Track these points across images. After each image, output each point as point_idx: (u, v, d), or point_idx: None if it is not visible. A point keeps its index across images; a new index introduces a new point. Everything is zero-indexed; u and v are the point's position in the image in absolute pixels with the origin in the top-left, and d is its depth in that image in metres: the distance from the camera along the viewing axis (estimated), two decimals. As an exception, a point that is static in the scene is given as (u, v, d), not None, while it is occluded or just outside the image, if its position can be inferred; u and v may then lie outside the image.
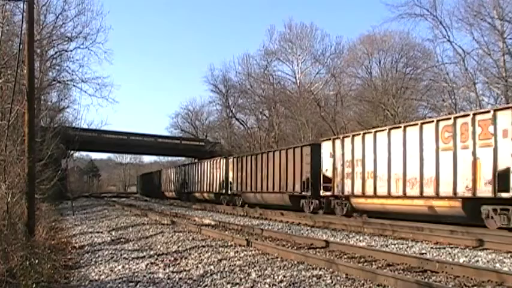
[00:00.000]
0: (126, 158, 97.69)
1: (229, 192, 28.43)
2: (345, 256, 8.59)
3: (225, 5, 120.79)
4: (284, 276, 6.68)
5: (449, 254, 8.82)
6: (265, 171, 23.77)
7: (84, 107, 78.96)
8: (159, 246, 10.20)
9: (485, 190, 12.17)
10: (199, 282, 6.56)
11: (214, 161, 31.38)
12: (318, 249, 9.44)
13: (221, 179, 29.50)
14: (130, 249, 10.01)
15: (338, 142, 18.23)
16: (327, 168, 18.78)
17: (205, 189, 32.33)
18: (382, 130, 16.36)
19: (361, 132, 17.37)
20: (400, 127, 15.61)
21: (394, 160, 15.31)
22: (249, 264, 7.72)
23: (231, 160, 28.87)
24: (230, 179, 28.29)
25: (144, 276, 7.05)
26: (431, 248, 9.57)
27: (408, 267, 7.30)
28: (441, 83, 29.25)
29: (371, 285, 6.09)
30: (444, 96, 30.68)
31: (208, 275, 6.98)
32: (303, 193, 20.17)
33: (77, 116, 39.66)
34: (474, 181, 12.44)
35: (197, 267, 7.65)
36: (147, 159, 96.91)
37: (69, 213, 21.91)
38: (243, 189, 26.21)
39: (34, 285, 6.21)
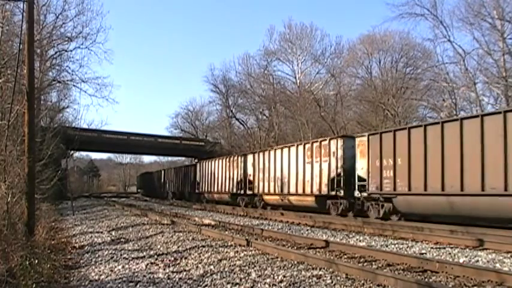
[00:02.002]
0: (126, 158, 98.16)
1: (356, 193, 17.70)
2: (345, 256, 8.59)
3: (225, 5, 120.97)
4: (284, 276, 6.67)
5: (449, 254, 8.82)
6: (475, 154, 12.67)
7: (84, 107, 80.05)
8: (159, 246, 10.19)
9: None
10: (199, 282, 6.55)
11: (317, 144, 19.93)
12: (318, 249, 9.44)
13: (334, 173, 18.70)
14: (130, 249, 10.01)
15: None
16: None
17: (290, 191, 21.43)
18: None
19: None
20: None
21: None
22: (249, 264, 7.71)
23: (360, 139, 17.58)
24: (359, 172, 17.51)
25: (144, 276, 7.04)
26: (431, 248, 9.57)
27: (408, 267, 7.30)
28: (441, 83, 29.31)
29: (371, 285, 6.08)
30: (444, 96, 30.75)
31: (208, 275, 6.98)
32: None
33: (77, 116, 39.88)
34: None
35: (197, 267, 7.65)
36: (147, 159, 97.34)
37: (69, 213, 21.90)
38: (401, 188, 15.18)
39: (34, 285, 6.21)
